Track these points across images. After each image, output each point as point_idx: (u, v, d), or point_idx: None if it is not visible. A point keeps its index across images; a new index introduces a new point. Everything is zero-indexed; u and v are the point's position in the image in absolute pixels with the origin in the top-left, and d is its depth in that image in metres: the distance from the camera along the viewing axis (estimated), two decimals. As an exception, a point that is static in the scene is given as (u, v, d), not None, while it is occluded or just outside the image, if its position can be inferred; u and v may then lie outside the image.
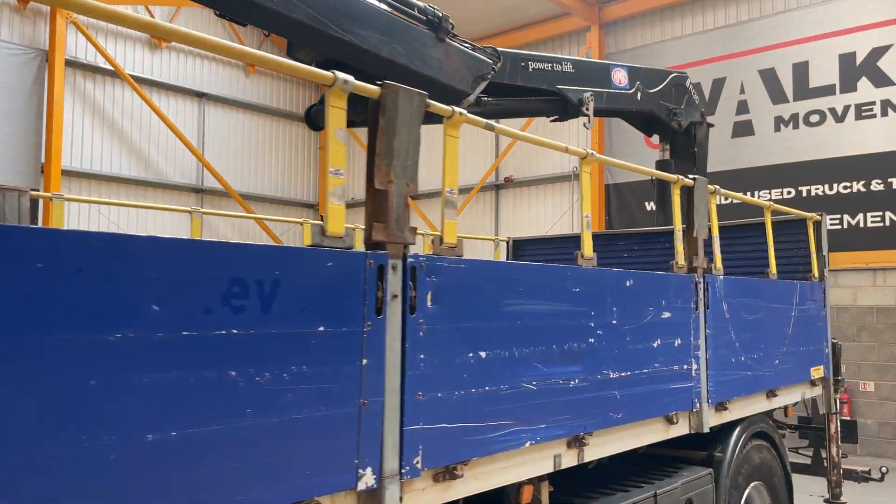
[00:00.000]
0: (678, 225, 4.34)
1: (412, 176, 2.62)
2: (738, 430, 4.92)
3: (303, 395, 2.23)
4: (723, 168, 12.98)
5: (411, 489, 2.64)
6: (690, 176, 4.49)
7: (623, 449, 3.80)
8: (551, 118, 6.59)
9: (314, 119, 5.47)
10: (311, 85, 18.52)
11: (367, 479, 2.43)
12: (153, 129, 15.51)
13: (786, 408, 5.84)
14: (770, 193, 12.58)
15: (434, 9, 5.21)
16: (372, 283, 2.46)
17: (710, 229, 4.73)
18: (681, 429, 4.24)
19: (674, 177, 4.33)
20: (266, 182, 17.90)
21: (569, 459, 3.41)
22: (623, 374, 3.68)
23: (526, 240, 8.22)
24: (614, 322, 3.65)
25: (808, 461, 7.21)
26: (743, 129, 13.05)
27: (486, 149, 16.18)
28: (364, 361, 2.41)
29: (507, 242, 8.17)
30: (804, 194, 12.25)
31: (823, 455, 6.79)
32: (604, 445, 3.64)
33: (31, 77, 13.79)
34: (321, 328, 2.28)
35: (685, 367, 4.19)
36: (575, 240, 8.20)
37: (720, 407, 4.59)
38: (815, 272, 6.07)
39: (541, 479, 3.36)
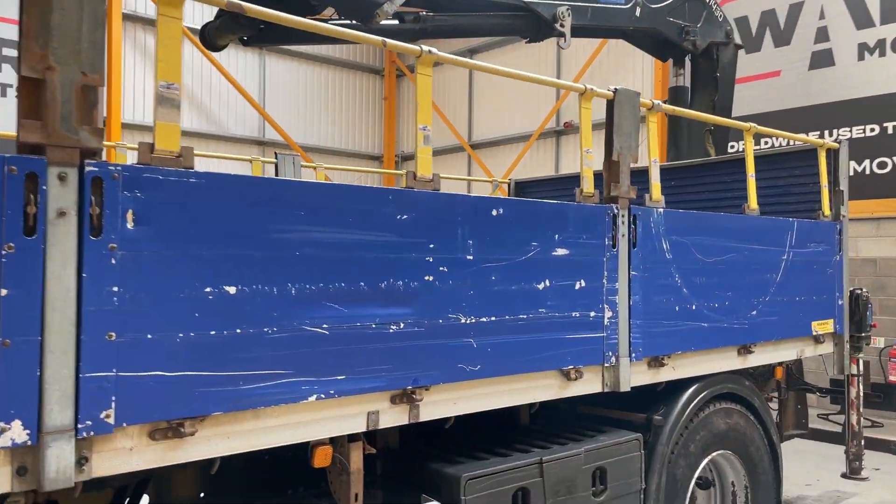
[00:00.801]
0: (587, 145, 3.64)
1: (92, 63, 2.11)
2: (691, 390, 4.19)
3: None
4: (796, 104, 11.64)
5: (108, 448, 2.19)
6: (614, 88, 3.76)
7: (490, 407, 3.21)
8: (524, 38, 5.84)
9: (208, 38, 4.96)
10: (374, 32, 18.02)
11: (16, 434, 2.00)
12: (213, 82, 15.54)
13: (772, 367, 4.99)
14: (851, 131, 11.15)
15: None
16: (16, 196, 1.99)
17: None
18: (589, 386, 3.58)
19: (609, 92, 3.63)
20: (329, 134, 17.70)
21: (394, 417, 2.87)
22: (482, 319, 3.08)
23: (528, 181, 7.50)
24: (469, 258, 3.05)
25: (839, 429, 6.34)
26: (822, 60, 11.59)
27: (545, 92, 15.27)
28: (3, 292, 1.97)
29: (509, 184, 7.49)
30: (889, 131, 10.79)
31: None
32: (455, 402, 3.06)
33: (91, 32, 14.06)
34: (-82, 248, 1.85)
35: (592, 314, 3.53)
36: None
37: (655, 363, 3.89)
38: (826, 210, 5.14)
39: (351, 438, 2.84)
